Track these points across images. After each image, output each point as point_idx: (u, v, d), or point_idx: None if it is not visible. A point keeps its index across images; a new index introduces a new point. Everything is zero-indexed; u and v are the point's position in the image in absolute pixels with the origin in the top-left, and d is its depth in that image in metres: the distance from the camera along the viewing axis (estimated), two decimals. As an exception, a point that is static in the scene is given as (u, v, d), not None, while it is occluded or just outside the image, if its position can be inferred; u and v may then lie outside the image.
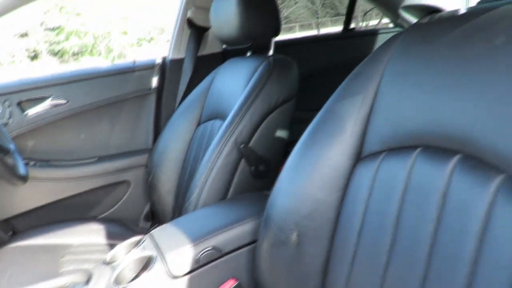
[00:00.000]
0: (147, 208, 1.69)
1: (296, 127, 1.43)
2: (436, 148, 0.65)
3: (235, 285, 0.86)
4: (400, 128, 0.71)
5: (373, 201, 0.73)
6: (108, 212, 1.65)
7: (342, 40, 2.31)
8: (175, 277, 0.83)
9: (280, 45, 2.04)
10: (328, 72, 2.29)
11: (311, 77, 2.22)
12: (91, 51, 13.77)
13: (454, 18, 0.71)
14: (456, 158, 0.62)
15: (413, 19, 2.36)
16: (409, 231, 0.65)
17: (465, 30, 0.66)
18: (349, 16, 2.29)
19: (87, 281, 0.86)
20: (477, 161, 0.59)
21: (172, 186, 1.49)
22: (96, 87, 1.66)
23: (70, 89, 1.62)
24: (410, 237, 0.65)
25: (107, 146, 1.69)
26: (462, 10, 0.76)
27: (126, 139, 1.72)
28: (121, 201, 1.66)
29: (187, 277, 0.84)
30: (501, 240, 0.53)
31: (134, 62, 1.73)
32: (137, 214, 1.68)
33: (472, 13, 0.68)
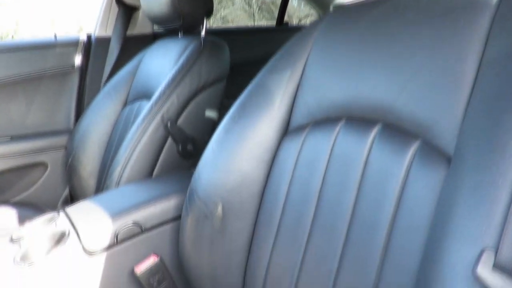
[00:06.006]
0: (66, 192, 1.59)
1: (225, 114, 1.42)
2: (359, 118, 0.67)
3: (156, 261, 0.82)
4: (325, 100, 0.73)
5: (298, 174, 0.73)
6: (22, 195, 1.52)
7: (275, 33, 2.33)
8: (91, 254, 0.78)
9: (214, 33, 2.02)
10: (260, 63, 2.30)
11: (243, 67, 2.22)
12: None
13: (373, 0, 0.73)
14: (377, 128, 0.63)
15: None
16: (331, 202, 0.66)
17: (383, 10, 0.68)
18: (282, 11, 2.31)
19: (-11, 260, 0.78)
20: (396, 129, 0.61)
21: (94, 169, 1.41)
22: (12, 61, 1.52)
23: (-19, 62, 1.48)
24: (332, 208, 0.66)
25: (23, 125, 1.56)
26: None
27: (45, 118, 1.60)
28: (37, 184, 1.54)
29: (104, 253, 0.79)
30: (415, 203, 0.55)
31: (56, 37, 1.61)
32: (54, 198, 1.57)
33: None
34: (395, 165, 0.58)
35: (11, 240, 0.82)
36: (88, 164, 1.41)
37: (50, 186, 1.56)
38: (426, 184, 0.54)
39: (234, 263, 0.77)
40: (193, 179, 0.82)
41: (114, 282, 0.80)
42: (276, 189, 0.75)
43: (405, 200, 0.56)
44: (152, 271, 0.81)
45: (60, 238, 0.78)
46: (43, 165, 1.55)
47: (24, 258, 0.75)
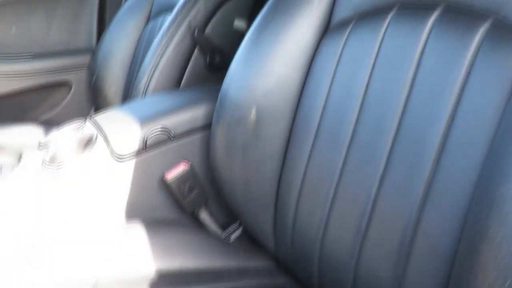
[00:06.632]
0: (91, 113, 1.58)
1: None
2: (415, 4, 0.59)
3: (186, 169, 0.79)
4: None
5: (340, 74, 0.67)
6: (48, 115, 1.51)
7: None
8: (120, 159, 0.76)
9: None
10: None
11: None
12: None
13: None
14: (436, 13, 0.55)
15: None
16: (378, 101, 0.60)
17: None
18: None
19: (18, 162, 0.77)
20: (460, 11, 0.53)
21: (118, 88, 1.37)
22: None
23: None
24: (379, 108, 0.60)
25: (45, 42, 1.52)
26: None
27: (66, 36, 1.55)
28: (62, 103, 1.52)
29: (133, 159, 0.77)
30: (481, 94, 0.48)
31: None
32: (80, 118, 1.56)
33: None
34: (458, 53, 0.51)
35: (39, 145, 0.80)
36: (112, 83, 1.38)
37: (76, 106, 1.54)
38: (496, 73, 0.47)
39: (268, 170, 0.73)
40: (224, 83, 0.77)
41: (145, 188, 0.79)
42: (315, 91, 0.69)
43: (469, 92, 0.49)
44: (182, 178, 0.79)
45: (88, 142, 0.76)
46: (67, 85, 1.53)
47: (52, 160, 0.73)
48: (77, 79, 1.53)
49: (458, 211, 0.46)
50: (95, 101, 1.44)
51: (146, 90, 1.00)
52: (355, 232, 0.58)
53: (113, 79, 1.38)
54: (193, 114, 0.83)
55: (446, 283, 0.45)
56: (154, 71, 1.01)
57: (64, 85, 1.52)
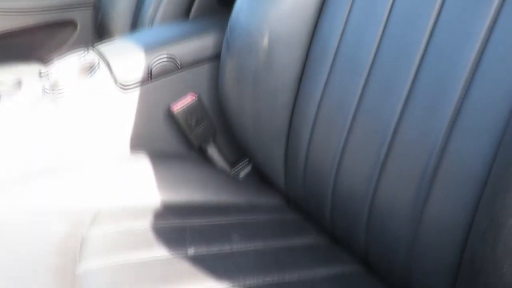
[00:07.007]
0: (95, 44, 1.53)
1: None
2: None
3: (194, 100, 0.75)
4: None
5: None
6: (53, 54, 1.46)
7: None
8: (124, 88, 0.72)
9: None
10: None
11: None
12: None
13: None
14: None
15: None
16: (402, 21, 0.54)
17: None
18: None
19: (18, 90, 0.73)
20: None
21: (125, 27, 1.31)
22: None
23: None
24: (404, 28, 0.54)
25: (46, -22, 1.45)
26: None
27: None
28: (67, 43, 1.47)
29: (138, 89, 0.73)
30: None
31: None
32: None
33: None
34: None
35: (40, 74, 0.76)
36: (119, 22, 1.31)
37: (81, 46, 1.49)
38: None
39: (280, 101, 0.68)
40: (234, 8, 0.71)
41: (150, 120, 0.75)
42: (333, 13, 0.63)
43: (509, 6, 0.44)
44: (189, 110, 0.75)
45: (90, 68, 0.72)
46: (72, 24, 1.46)
47: (53, 87, 0.69)
48: (83, 18, 1.46)
49: (491, 130, 0.41)
50: (101, 41, 1.38)
51: (152, 21, 0.95)
52: (373, 162, 0.54)
53: (119, 18, 1.31)
54: (202, 43, 0.77)
55: (473, 208, 0.42)
56: (160, 2, 0.95)
57: (69, 24, 1.46)
